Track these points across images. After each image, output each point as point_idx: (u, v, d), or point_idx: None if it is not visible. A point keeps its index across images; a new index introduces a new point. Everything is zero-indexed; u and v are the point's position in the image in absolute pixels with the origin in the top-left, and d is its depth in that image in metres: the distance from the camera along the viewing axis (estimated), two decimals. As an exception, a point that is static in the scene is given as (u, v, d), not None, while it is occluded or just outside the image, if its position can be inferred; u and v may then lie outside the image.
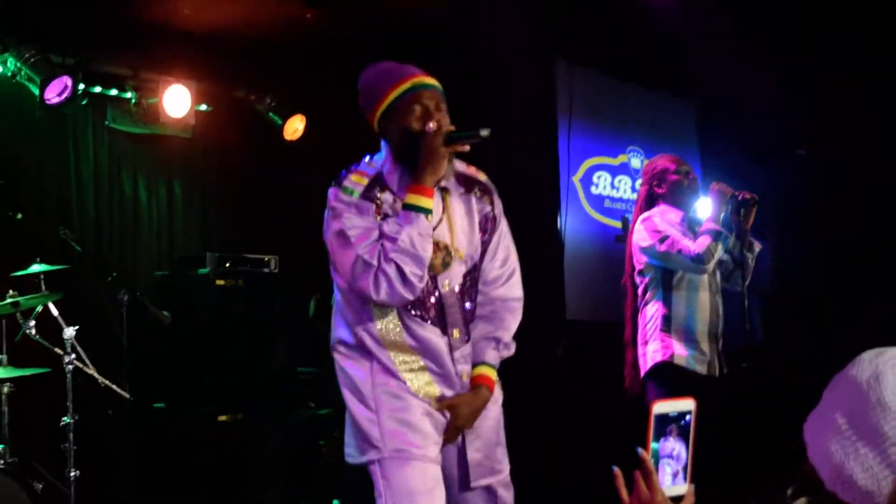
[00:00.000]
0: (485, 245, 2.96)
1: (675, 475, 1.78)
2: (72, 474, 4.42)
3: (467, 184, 2.95)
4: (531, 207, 5.43)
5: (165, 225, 6.52)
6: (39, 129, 5.74)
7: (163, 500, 5.15)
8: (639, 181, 5.02)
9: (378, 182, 2.80)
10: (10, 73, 5.37)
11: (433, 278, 2.82)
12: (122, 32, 5.90)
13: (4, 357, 4.49)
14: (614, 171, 6.94)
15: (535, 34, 5.98)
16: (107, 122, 6.15)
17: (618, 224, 6.64)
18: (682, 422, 1.77)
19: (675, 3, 6.02)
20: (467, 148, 2.79)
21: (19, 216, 5.14)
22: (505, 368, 3.03)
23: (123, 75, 6.10)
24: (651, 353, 4.45)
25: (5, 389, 4.45)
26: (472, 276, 2.94)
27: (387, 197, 2.79)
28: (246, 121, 6.71)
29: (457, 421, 2.85)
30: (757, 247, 4.58)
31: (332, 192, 2.80)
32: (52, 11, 5.51)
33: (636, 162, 7.02)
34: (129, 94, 6.11)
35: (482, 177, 3.01)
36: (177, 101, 6.12)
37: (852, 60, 6.22)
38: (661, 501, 1.72)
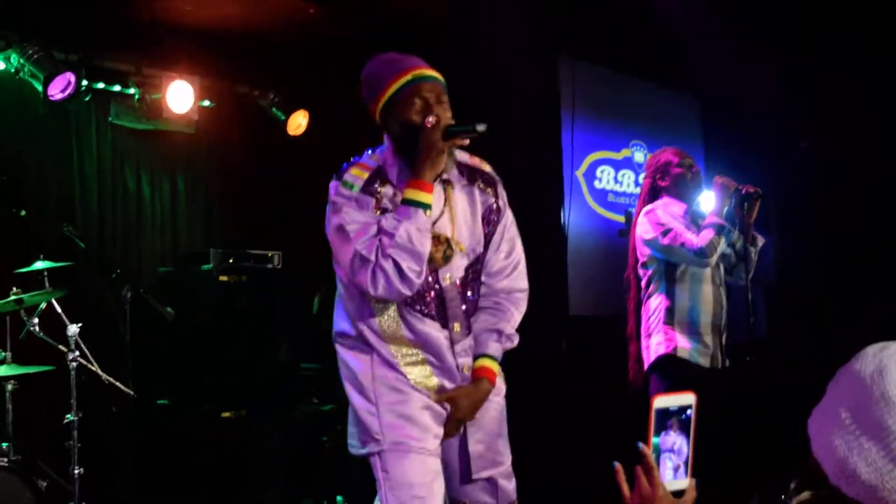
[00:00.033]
0: (488, 237, 2.95)
1: (676, 469, 1.78)
2: (76, 472, 4.42)
3: (471, 175, 2.94)
4: (535, 202, 5.42)
5: (169, 221, 6.52)
6: (42, 126, 5.74)
7: (166, 498, 5.15)
8: (642, 175, 5.01)
9: (379, 175, 2.80)
10: (13, 70, 5.36)
11: (434, 272, 2.82)
12: (124, 29, 5.90)
13: (8, 354, 4.48)
14: (617, 166, 6.94)
15: (535, 31, 5.97)
16: (110, 119, 6.15)
17: (621, 218, 6.62)
18: (683, 416, 1.77)
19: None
20: (467, 142, 2.79)
21: (23, 213, 5.14)
22: (508, 363, 3.03)
23: (126, 71, 6.10)
24: (654, 345, 4.45)
25: (9, 387, 4.44)
26: (475, 268, 2.93)
27: (387, 190, 2.78)
28: (249, 117, 6.71)
29: (457, 413, 2.86)
30: (760, 241, 4.57)
31: (332, 185, 2.81)
32: (55, 8, 5.50)
33: (639, 156, 7.02)
34: (132, 91, 6.10)
35: (486, 167, 3.00)
36: (180, 96, 6.12)
37: (852, 60, 6.21)
38: (662, 496, 1.72)
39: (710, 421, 2.07)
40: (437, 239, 2.79)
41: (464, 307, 2.89)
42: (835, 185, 6.57)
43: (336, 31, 6.19)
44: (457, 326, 2.87)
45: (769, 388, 4.88)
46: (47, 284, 4.58)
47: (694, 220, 4.49)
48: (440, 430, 2.85)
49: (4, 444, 4.34)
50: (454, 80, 2.89)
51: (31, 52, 5.28)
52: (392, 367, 2.82)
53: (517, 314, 2.99)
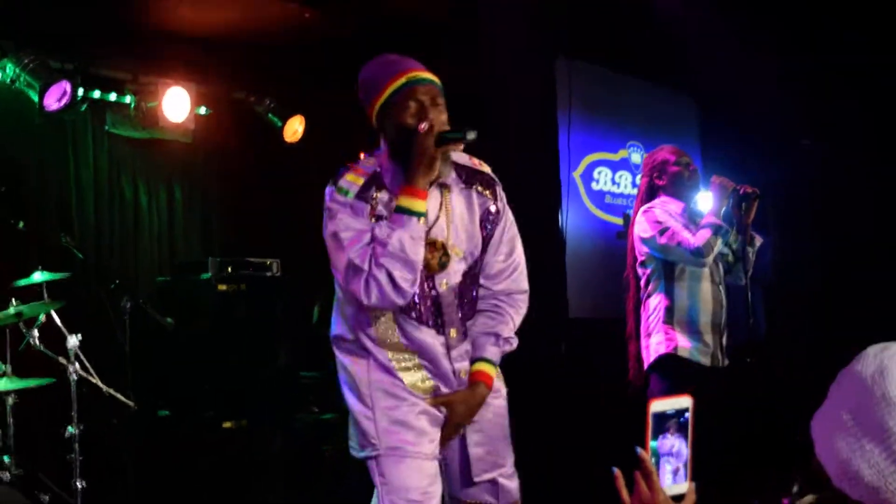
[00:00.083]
0: (486, 240, 2.93)
1: (675, 472, 1.77)
2: (78, 485, 4.40)
3: (469, 177, 2.92)
4: (532, 204, 5.40)
5: (166, 230, 6.50)
6: (38, 135, 5.73)
7: (168, 507, 5.15)
8: (639, 176, 5.01)
9: (375, 181, 2.79)
10: (8, 80, 5.36)
11: (430, 278, 2.81)
12: (119, 36, 5.90)
13: (8, 367, 4.45)
14: (615, 167, 6.93)
15: (534, 32, 5.97)
16: (106, 127, 6.13)
17: (619, 220, 6.62)
18: (681, 419, 1.76)
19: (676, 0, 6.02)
20: (461, 148, 2.78)
21: (21, 224, 5.12)
22: (507, 366, 3.02)
23: (122, 79, 6.09)
24: (654, 345, 4.45)
25: (10, 401, 4.43)
26: (473, 272, 2.92)
27: (383, 196, 2.77)
28: (246, 124, 6.70)
29: (454, 418, 2.86)
30: (758, 241, 4.57)
31: (328, 191, 2.80)
32: (50, 16, 5.49)
33: (636, 157, 7.01)
34: (128, 99, 6.09)
35: (486, 169, 2.98)
36: (176, 104, 6.10)
37: (852, 60, 6.21)
38: (662, 501, 1.72)
39: (710, 420, 2.07)
40: (432, 245, 2.78)
41: (460, 312, 2.88)
42: (835, 185, 6.56)
43: (334, 32, 6.18)
44: (453, 332, 2.86)
45: (769, 388, 4.87)
46: (46, 296, 4.57)
47: (692, 219, 4.49)
48: (437, 434, 2.85)
49: (6, 458, 4.33)
50: (453, 82, 2.88)
51: (26, 61, 5.28)
52: (388, 371, 2.83)
53: (516, 317, 2.98)
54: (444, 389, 2.86)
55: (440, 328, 2.84)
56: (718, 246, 4.31)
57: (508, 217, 2.99)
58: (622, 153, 6.99)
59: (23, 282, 4.59)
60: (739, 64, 6.35)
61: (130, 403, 4.71)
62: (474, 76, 5.74)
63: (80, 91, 5.54)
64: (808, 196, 6.69)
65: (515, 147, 5.77)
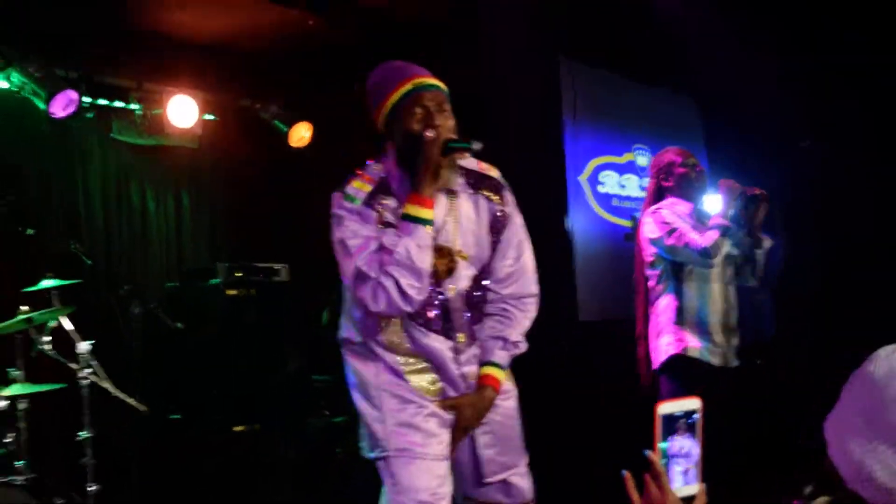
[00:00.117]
0: (495, 244, 2.93)
1: (685, 473, 1.77)
2: (91, 489, 4.43)
3: (477, 183, 2.92)
4: (538, 208, 5.40)
5: (174, 236, 6.53)
6: (45, 143, 5.76)
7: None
8: (646, 179, 5.02)
9: (382, 188, 2.80)
10: (15, 89, 5.38)
11: (438, 284, 2.80)
12: (125, 44, 5.92)
13: (20, 373, 4.47)
14: (621, 170, 6.93)
15: (536, 34, 5.96)
16: (112, 135, 6.16)
17: (626, 223, 6.62)
18: (689, 420, 1.77)
19: (676, 1, 6.02)
20: (467, 156, 2.79)
21: (30, 231, 5.14)
22: (517, 369, 3.02)
23: (127, 87, 6.12)
24: (664, 345, 4.44)
25: (22, 406, 4.45)
26: (481, 277, 2.92)
27: (390, 203, 2.77)
28: (252, 130, 6.72)
29: (461, 422, 2.87)
30: (767, 243, 4.58)
31: (335, 197, 2.80)
32: (55, 24, 5.51)
33: (642, 160, 7.01)
34: (133, 106, 6.12)
35: (494, 173, 2.98)
36: (182, 111, 6.13)
37: (852, 60, 6.21)
38: (672, 502, 1.72)
39: (719, 421, 2.07)
40: (440, 251, 2.78)
41: (469, 317, 2.88)
42: (835, 185, 6.55)
43: (337, 38, 6.19)
44: (461, 337, 2.86)
45: (775, 389, 4.87)
46: (55, 302, 4.59)
47: (700, 220, 4.49)
48: (446, 436, 2.85)
49: (19, 463, 4.35)
50: (453, 83, 2.88)
51: (32, 69, 5.30)
52: (397, 374, 2.84)
53: (525, 320, 2.97)
54: (451, 393, 2.87)
55: (448, 333, 2.84)
56: (726, 246, 4.32)
57: (517, 221, 2.99)
58: (628, 156, 6.99)
59: (32, 288, 4.61)
60: (739, 64, 6.34)
61: (141, 408, 4.72)
62: (474, 76, 5.74)
63: (87, 99, 5.55)
64: (808, 196, 6.67)
65: (520, 150, 5.76)
